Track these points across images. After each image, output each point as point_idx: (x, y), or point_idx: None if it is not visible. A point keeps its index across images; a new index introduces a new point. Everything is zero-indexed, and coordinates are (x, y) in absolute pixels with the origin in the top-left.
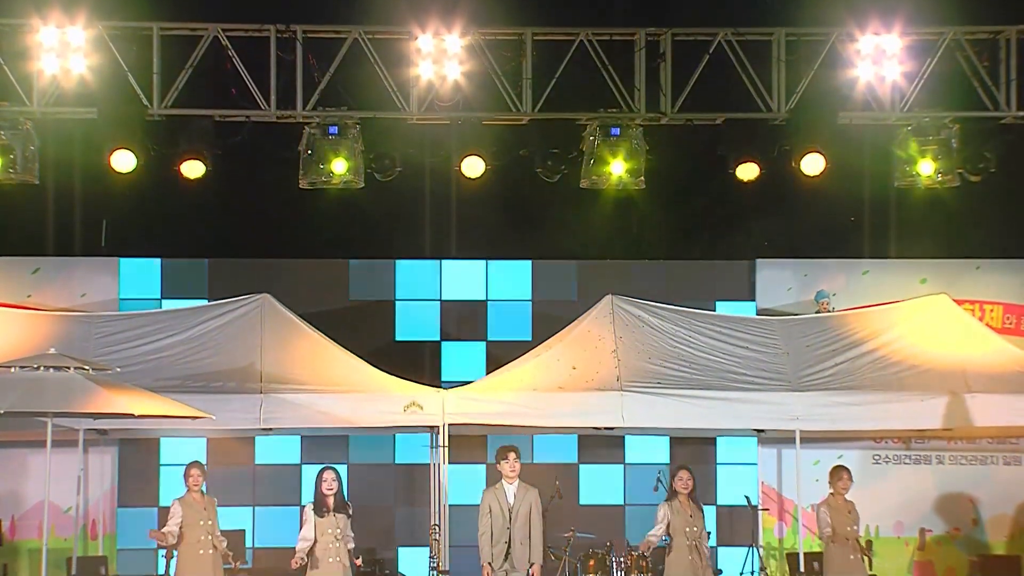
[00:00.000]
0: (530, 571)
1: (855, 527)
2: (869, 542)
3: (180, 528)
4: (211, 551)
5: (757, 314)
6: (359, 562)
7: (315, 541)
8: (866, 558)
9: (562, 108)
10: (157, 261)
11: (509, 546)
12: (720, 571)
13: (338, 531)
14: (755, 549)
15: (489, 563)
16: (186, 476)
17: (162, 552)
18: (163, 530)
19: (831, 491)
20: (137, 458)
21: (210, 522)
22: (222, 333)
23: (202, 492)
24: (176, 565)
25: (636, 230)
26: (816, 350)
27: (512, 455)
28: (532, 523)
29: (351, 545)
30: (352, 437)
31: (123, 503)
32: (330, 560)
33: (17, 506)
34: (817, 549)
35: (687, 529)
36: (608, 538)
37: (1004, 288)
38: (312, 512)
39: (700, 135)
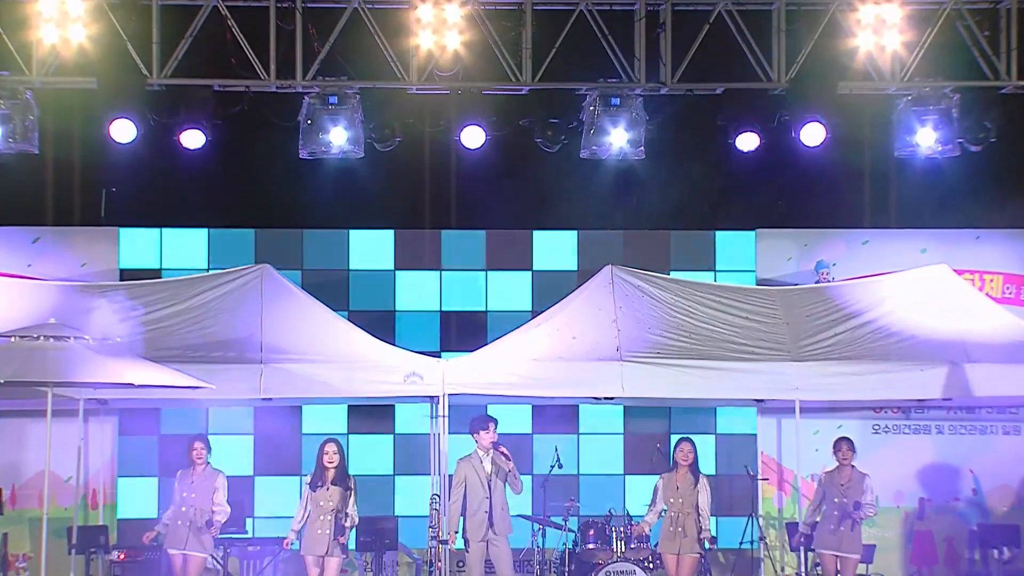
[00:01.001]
0: None
1: (843, 499)
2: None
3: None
4: (189, 523)
5: (757, 284)
6: (342, 539)
7: (308, 514)
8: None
9: (562, 78)
10: (157, 231)
11: (491, 513)
12: (715, 538)
13: (331, 504)
14: (755, 519)
15: (456, 532)
16: (189, 450)
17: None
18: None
19: (836, 463)
20: (137, 428)
21: (193, 495)
22: (222, 303)
23: (205, 465)
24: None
25: (636, 200)
26: (816, 320)
27: (493, 425)
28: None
29: (347, 523)
30: (352, 407)
31: (123, 473)
32: (317, 532)
33: (17, 476)
34: (816, 518)
35: (671, 500)
36: (608, 508)
37: (1004, 258)
38: (307, 487)
39: (700, 105)
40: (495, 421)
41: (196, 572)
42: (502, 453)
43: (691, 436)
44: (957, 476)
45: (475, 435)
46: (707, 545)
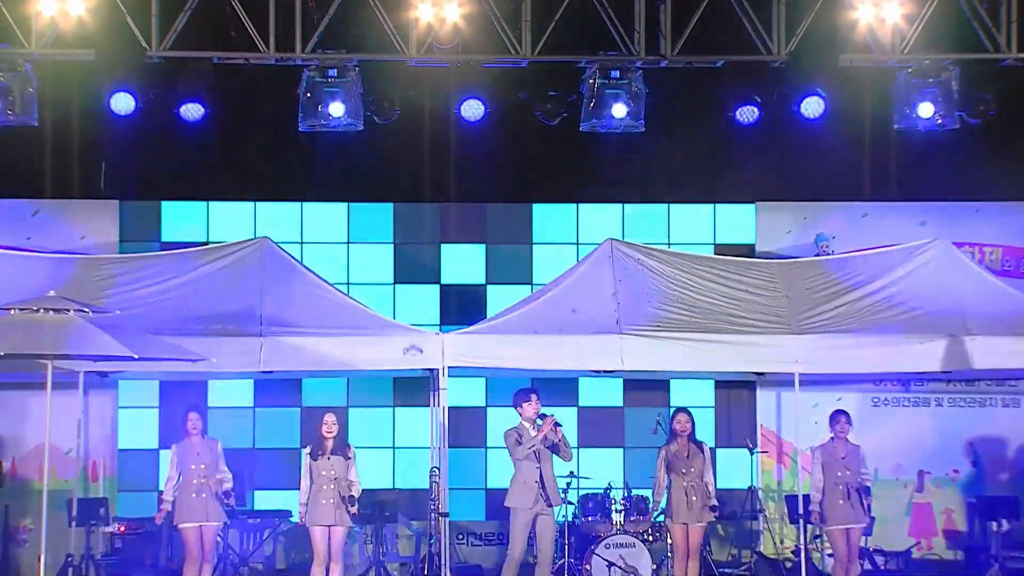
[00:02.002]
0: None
1: (846, 472)
2: (866, 487)
3: (177, 472)
4: (204, 494)
5: (756, 257)
6: (353, 509)
7: (312, 483)
8: (863, 501)
9: (562, 51)
10: (157, 204)
11: (543, 483)
12: (716, 507)
13: (332, 473)
14: (754, 491)
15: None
16: (185, 420)
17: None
18: (162, 499)
19: (831, 435)
20: (137, 400)
21: (202, 465)
22: (222, 276)
23: (202, 436)
24: (175, 507)
25: (636, 173)
26: (815, 293)
27: (534, 396)
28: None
29: (351, 492)
30: (352, 380)
31: (123, 445)
32: (323, 502)
33: (18, 448)
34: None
35: (683, 470)
36: (608, 480)
37: (1004, 231)
38: (308, 456)
39: (700, 78)
40: (536, 392)
41: (212, 540)
42: (551, 422)
43: (688, 408)
44: (956, 448)
45: (518, 408)
46: (715, 513)
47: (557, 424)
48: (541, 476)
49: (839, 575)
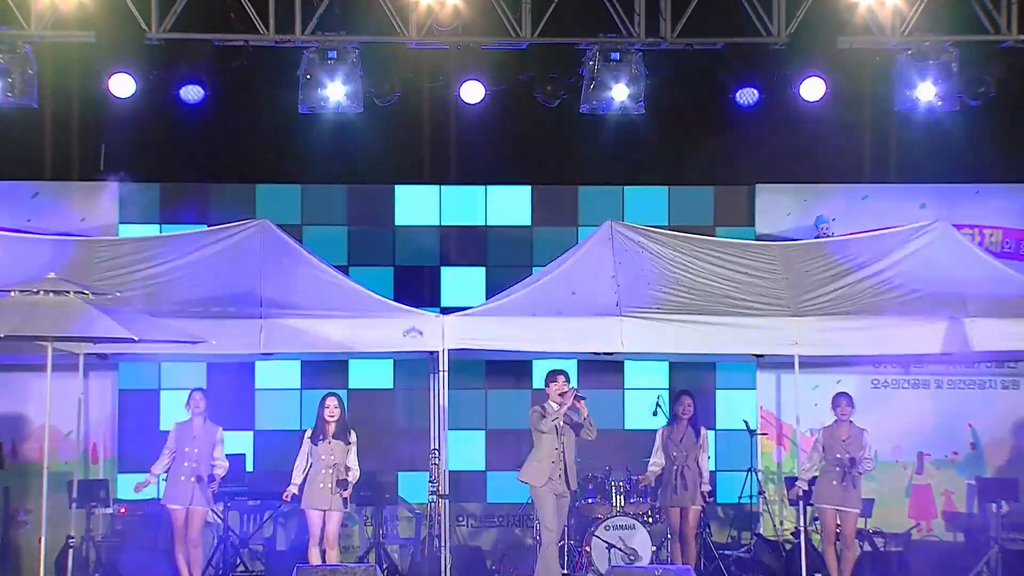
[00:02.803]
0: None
1: (845, 454)
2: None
3: (172, 451)
4: (193, 478)
5: (756, 239)
6: (346, 493)
7: (309, 468)
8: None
9: (562, 33)
10: (156, 186)
11: (564, 465)
12: (711, 493)
13: (332, 458)
14: (753, 473)
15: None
16: (188, 402)
17: (163, 476)
18: (151, 470)
19: (834, 418)
20: (137, 383)
21: (196, 449)
22: (221, 258)
23: (204, 418)
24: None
25: (635, 155)
26: (815, 275)
27: (562, 378)
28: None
29: (348, 476)
30: (352, 362)
31: (124, 427)
32: (319, 486)
33: (18, 430)
34: (815, 473)
35: (674, 453)
36: (607, 463)
37: (1004, 212)
38: (308, 440)
39: (700, 60)
40: (564, 373)
41: (199, 525)
42: (577, 398)
43: (691, 392)
44: (956, 430)
45: (546, 388)
46: (709, 498)
47: (580, 397)
48: (563, 455)
49: (829, 554)
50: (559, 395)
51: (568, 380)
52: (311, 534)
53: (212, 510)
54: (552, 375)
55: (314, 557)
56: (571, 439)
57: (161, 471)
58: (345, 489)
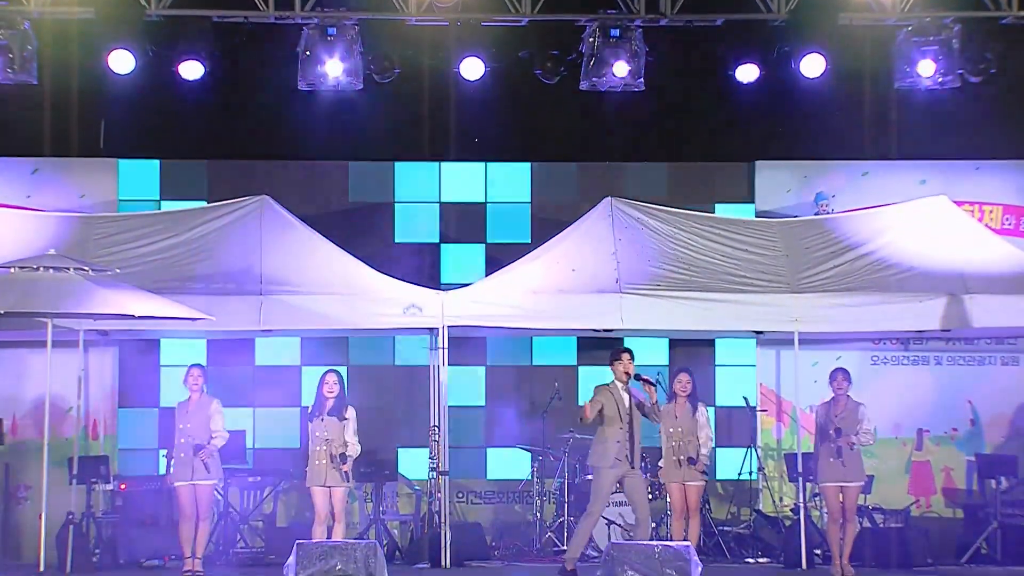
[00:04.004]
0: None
1: (840, 429)
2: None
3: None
4: (190, 453)
5: (756, 216)
6: (345, 467)
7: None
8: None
9: (561, 9)
10: (156, 162)
11: (631, 445)
12: (694, 460)
13: (326, 434)
14: (753, 450)
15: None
16: (186, 378)
17: (163, 452)
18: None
19: (832, 394)
20: (137, 359)
21: (190, 424)
22: (221, 234)
23: (201, 393)
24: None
25: (635, 132)
26: (815, 252)
27: (626, 356)
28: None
29: (349, 451)
30: (352, 339)
31: (123, 404)
32: (316, 463)
33: (18, 406)
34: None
35: (671, 430)
36: None
37: (1003, 189)
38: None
39: (700, 36)
40: (630, 352)
41: (207, 500)
42: (646, 382)
43: (689, 369)
44: (955, 407)
45: (611, 366)
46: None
47: (653, 384)
48: (631, 438)
49: (832, 531)
50: (625, 374)
51: (633, 358)
52: (317, 512)
53: (217, 491)
54: (617, 354)
55: (319, 534)
56: (638, 421)
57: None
58: (344, 463)
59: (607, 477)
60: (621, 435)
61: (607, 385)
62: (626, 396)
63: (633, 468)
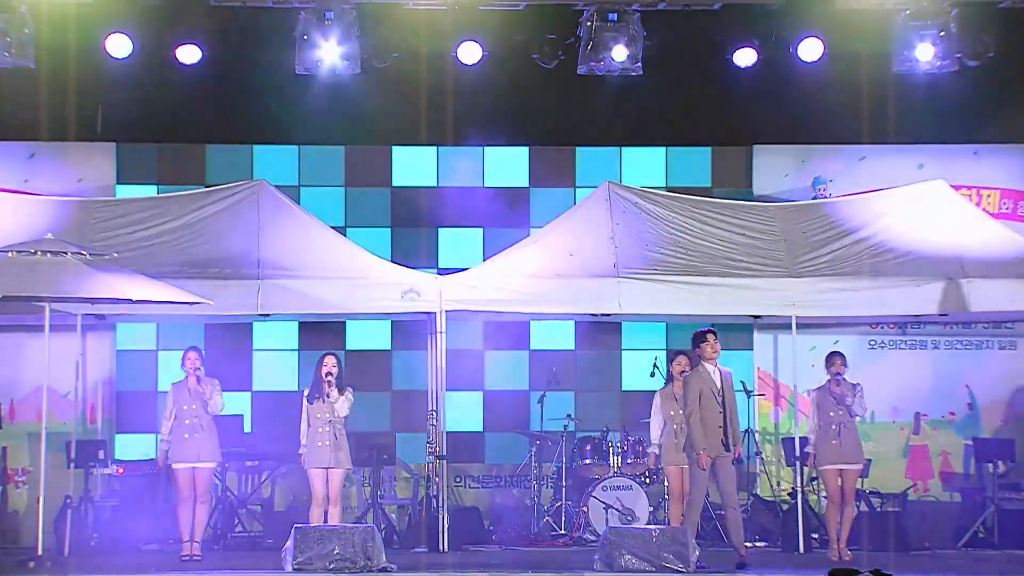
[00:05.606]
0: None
1: (839, 412)
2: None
3: (172, 411)
4: (197, 434)
5: (754, 200)
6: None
7: (309, 427)
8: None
9: None
10: (153, 146)
11: (725, 428)
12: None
13: (327, 415)
14: (751, 434)
15: (704, 450)
16: (183, 361)
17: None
18: (160, 440)
19: (828, 377)
20: (135, 344)
21: (194, 406)
22: (219, 219)
23: (199, 376)
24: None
25: (633, 116)
26: (813, 236)
27: (711, 336)
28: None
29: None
30: (349, 323)
31: (121, 388)
32: (318, 444)
33: (16, 390)
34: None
35: (671, 413)
36: (604, 424)
37: (1001, 173)
38: (305, 400)
39: (698, 20)
40: (714, 332)
41: (205, 483)
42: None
43: (688, 352)
44: (953, 391)
45: (697, 349)
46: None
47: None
48: (725, 421)
49: (831, 514)
50: (712, 354)
51: (717, 337)
52: (314, 495)
53: (215, 476)
54: (701, 335)
55: (315, 517)
56: (732, 402)
57: (168, 434)
58: (341, 393)
59: (702, 460)
60: (719, 418)
61: (696, 370)
62: (717, 377)
63: (728, 452)
